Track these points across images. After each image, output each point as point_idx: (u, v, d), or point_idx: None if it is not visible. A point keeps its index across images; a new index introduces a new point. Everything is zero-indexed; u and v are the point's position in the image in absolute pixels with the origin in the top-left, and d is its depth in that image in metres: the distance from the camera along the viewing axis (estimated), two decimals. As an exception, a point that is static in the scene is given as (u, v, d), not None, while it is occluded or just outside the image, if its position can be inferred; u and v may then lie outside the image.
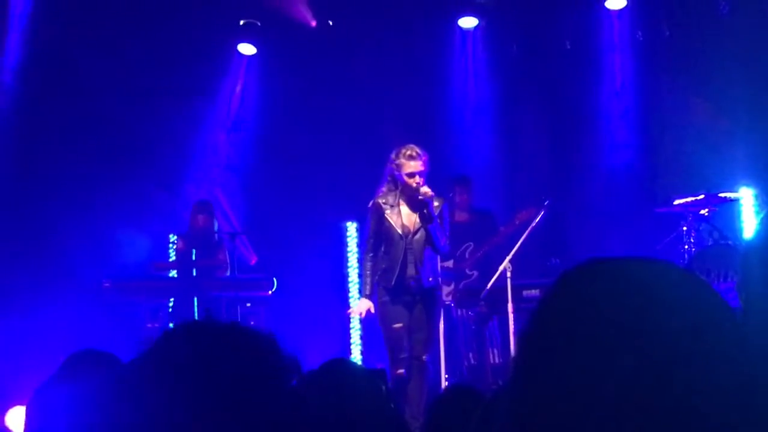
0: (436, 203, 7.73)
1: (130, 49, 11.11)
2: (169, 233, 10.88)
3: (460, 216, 10.50)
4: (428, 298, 7.79)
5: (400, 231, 7.74)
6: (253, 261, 10.94)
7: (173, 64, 11.27)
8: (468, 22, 11.48)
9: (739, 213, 10.45)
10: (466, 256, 10.38)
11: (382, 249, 7.86)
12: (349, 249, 11.35)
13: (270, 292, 10.17)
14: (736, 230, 10.36)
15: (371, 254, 7.92)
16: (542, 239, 10.21)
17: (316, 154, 11.63)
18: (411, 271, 7.74)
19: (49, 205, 10.79)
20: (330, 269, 11.37)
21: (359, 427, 2.52)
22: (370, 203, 7.94)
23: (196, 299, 9.82)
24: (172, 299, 10.16)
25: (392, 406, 3.03)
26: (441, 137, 11.66)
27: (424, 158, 7.74)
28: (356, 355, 11.05)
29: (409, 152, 7.73)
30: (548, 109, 11.82)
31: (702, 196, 9.63)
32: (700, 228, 9.67)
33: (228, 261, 10.31)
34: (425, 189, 7.64)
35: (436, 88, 11.75)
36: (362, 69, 11.93)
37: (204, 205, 10.39)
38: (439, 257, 8.14)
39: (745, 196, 10.14)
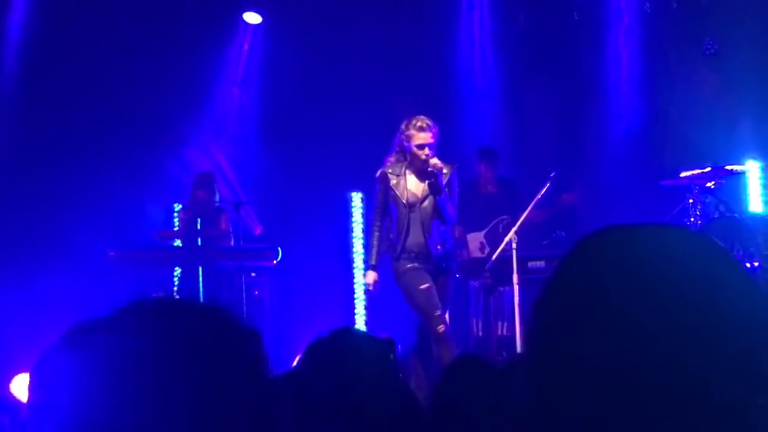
0: (445, 171, 7.71)
1: (135, 19, 11.07)
2: (174, 202, 10.87)
3: (486, 188, 10.51)
4: (438, 268, 7.78)
5: (404, 201, 7.73)
6: (258, 231, 10.94)
7: (179, 34, 11.25)
8: (475, -8, 11.46)
9: (745, 186, 10.43)
10: (500, 230, 10.32)
11: (389, 219, 7.86)
12: (354, 219, 11.35)
13: (275, 262, 10.18)
14: (742, 203, 10.35)
15: (378, 224, 7.93)
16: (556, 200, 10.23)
17: (321, 123, 11.61)
18: (417, 239, 7.72)
19: (52, 174, 10.79)
20: (335, 239, 11.38)
21: (366, 400, 2.51)
22: (378, 173, 7.93)
23: (201, 269, 9.82)
24: (177, 269, 10.17)
25: (400, 376, 3.01)
26: (447, 107, 11.64)
27: (434, 130, 7.72)
28: (360, 326, 11.06)
29: (419, 123, 7.72)
30: (555, 80, 11.78)
31: (708, 169, 9.61)
32: (706, 201, 9.66)
33: (230, 230, 10.31)
34: (435, 161, 7.62)
35: (442, 58, 11.73)
36: (368, 39, 11.89)
37: (205, 177, 10.37)
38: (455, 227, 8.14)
39: (752, 169, 10.12)
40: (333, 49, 11.80)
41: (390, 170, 7.85)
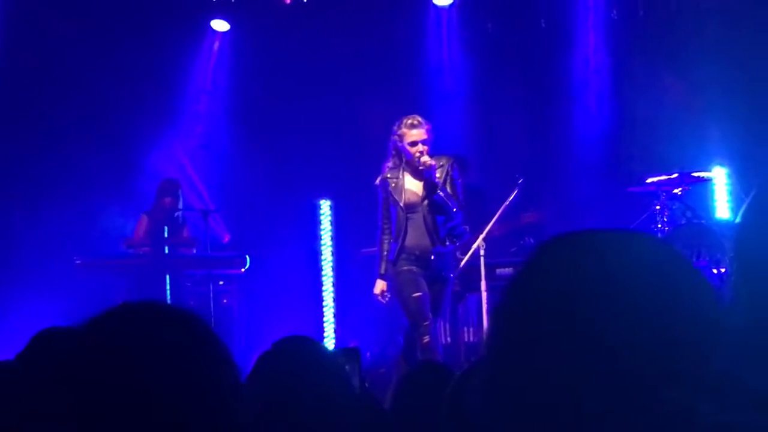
0: (442, 163, 7.69)
1: (103, 25, 11.02)
2: (141, 210, 10.82)
3: None
4: (437, 275, 7.75)
5: (402, 204, 7.70)
6: (226, 239, 10.91)
7: (146, 40, 11.20)
8: (443, 0, 11.45)
9: (712, 192, 10.50)
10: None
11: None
12: (322, 227, 11.33)
13: (243, 269, 10.15)
14: (709, 209, 10.43)
15: (386, 234, 7.90)
16: (516, 218, 10.25)
17: (290, 131, 11.61)
18: (417, 241, 7.69)
19: (17, 181, 10.73)
20: (303, 247, 11.37)
21: (313, 408, 2.50)
22: (377, 180, 7.93)
23: (168, 277, 9.77)
24: (144, 277, 10.11)
25: (357, 384, 3.00)
26: (416, 113, 11.64)
27: (426, 127, 7.72)
28: (330, 334, 11.05)
29: (410, 121, 7.72)
30: (523, 87, 11.82)
31: (675, 175, 9.69)
32: (673, 207, 9.72)
33: (192, 238, 10.26)
34: (425, 159, 7.59)
35: (411, 65, 11.74)
36: (337, 46, 11.90)
37: (170, 184, 10.31)
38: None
39: (719, 176, 10.20)
40: (302, 56, 11.80)
41: (388, 175, 7.83)
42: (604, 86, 11.45)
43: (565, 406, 1.12)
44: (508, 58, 11.90)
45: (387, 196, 7.80)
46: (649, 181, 9.97)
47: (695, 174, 9.72)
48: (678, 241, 9.18)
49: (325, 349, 2.79)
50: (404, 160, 7.74)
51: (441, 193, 7.62)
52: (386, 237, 7.89)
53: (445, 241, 7.74)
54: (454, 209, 7.72)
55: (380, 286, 7.92)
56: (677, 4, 11.15)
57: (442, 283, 7.79)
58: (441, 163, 7.71)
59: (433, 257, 7.69)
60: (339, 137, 11.82)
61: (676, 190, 9.72)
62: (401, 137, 7.70)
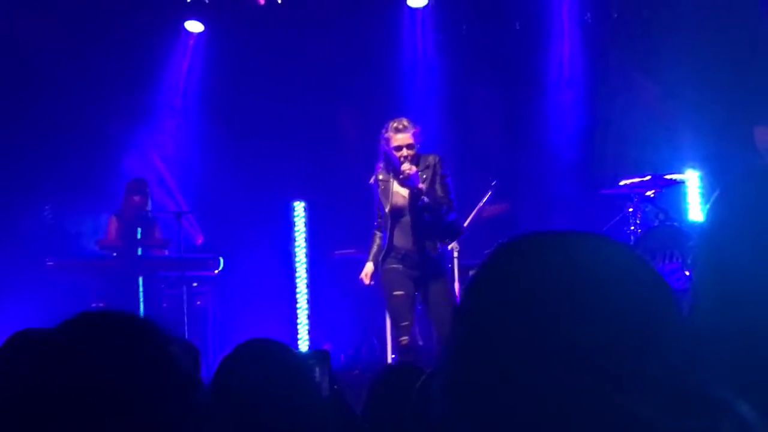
0: (429, 161, 7.66)
1: (76, 26, 10.98)
2: (114, 212, 10.78)
3: None
4: (428, 273, 7.73)
5: (388, 208, 7.68)
6: (200, 240, 10.89)
7: (119, 41, 11.16)
8: (417, 2, 11.47)
9: (684, 195, 10.56)
10: None
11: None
12: (296, 228, 11.32)
13: (216, 271, 10.13)
14: (681, 212, 10.48)
15: (378, 229, 7.88)
16: (491, 219, 10.27)
17: (264, 132, 11.59)
18: (405, 242, 7.66)
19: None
20: (278, 249, 11.36)
21: (278, 412, 2.50)
22: (371, 179, 7.91)
23: (141, 279, 9.74)
24: (117, 278, 10.07)
25: (327, 387, 2.99)
26: (391, 116, 11.64)
27: (413, 130, 7.62)
28: (304, 336, 11.05)
29: (396, 125, 7.63)
30: (497, 89, 11.85)
31: (648, 178, 9.73)
32: (646, 209, 9.77)
33: (165, 239, 10.22)
34: (405, 166, 7.51)
35: (386, 67, 11.75)
36: (311, 48, 11.90)
37: (138, 183, 10.26)
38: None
39: (691, 178, 10.25)
40: (276, 57, 11.79)
41: (380, 177, 7.78)
42: (578, 88, 11.49)
43: (522, 407, 1.14)
44: (483, 60, 11.93)
45: (377, 197, 7.79)
46: (622, 183, 10.02)
47: (668, 176, 9.76)
48: (650, 243, 9.23)
49: (292, 351, 2.77)
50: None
51: (426, 199, 7.56)
52: (378, 233, 7.88)
53: (437, 242, 7.70)
54: (443, 210, 7.66)
55: (368, 268, 7.86)
56: (650, 8, 11.21)
57: (438, 280, 7.72)
58: (428, 162, 7.66)
59: (422, 258, 7.66)
60: (313, 138, 11.83)
61: (648, 193, 9.77)
62: (387, 141, 7.64)
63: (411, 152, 7.59)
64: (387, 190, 7.71)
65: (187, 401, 1.56)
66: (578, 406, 1.12)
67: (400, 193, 7.71)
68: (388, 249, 7.68)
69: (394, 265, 7.68)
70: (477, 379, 1.17)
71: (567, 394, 1.13)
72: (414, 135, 7.64)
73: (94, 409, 1.44)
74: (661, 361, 1.16)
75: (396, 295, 7.57)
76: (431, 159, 7.72)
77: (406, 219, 7.69)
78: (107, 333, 1.55)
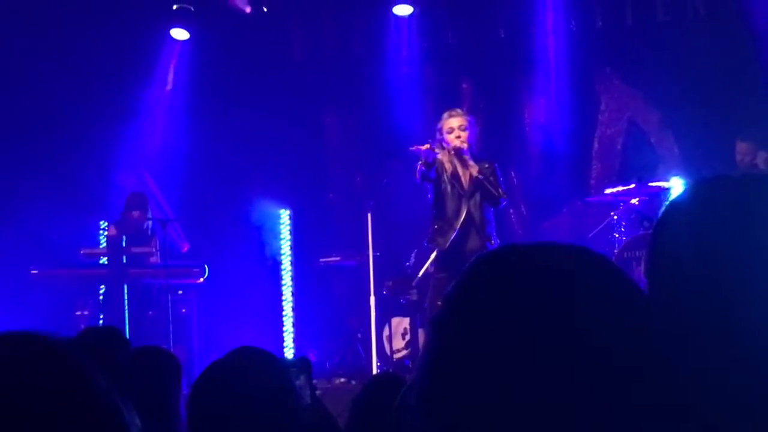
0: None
1: (62, 32, 10.97)
2: (99, 220, 10.76)
3: None
4: None
5: None
6: (185, 248, 10.88)
7: (105, 48, 11.15)
8: (403, 10, 11.47)
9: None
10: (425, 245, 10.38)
11: None
12: (282, 236, 11.32)
13: (201, 279, 10.11)
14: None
15: None
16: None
17: (249, 141, 11.58)
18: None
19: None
20: (263, 257, 11.35)
21: (258, 419, 2.50)
22: None
23: (126, 287, 9.72)
24: (102, 287, 10.05)
25: (308, 396, 3.00)
26: (377, 123, 11.70)
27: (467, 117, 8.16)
28: (289, 343, 11.04)
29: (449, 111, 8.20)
30: (482, 97, 11.88)
31: (633, 186, 9.77)
32: (631, 217, 9.80)
33: (158, 248, 10.21)
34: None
35: (371, 75, 11.75)
36: (298, 56, 11.93)
37: (138, 197, 10.26)
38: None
39: (676, 186, 10.26)
40: (262, 65, 11.81)
41: None
42: (564, 96, 11.51)
43: (497, 420, 1.15)
44: (468, 68, 11.96)
45: None
46: (607, 191, 10.07)
47: (652, 184, 9.80)
48: (635, 251, 9.26)
49: (276, 361, 2.77)
50: None
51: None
52: None
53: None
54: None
55: None
56: (633, 17, 11.24)
57: None
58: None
59: None
60: (299, 146, 11.83)
61: (633, 200, 9.80)
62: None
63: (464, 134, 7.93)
64: None
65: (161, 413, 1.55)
66: (555, 419, 1.13)
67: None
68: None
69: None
70: (452, 391, 1.18)
71: (543, 408, 1.14)
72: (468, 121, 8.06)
73: None
74: (636, 373, 1.17)
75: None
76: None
77: None
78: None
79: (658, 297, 1.60)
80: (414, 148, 7.81)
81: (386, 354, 9.96)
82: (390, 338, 10.06)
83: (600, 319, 1.18)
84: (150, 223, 10.19)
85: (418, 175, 7.94)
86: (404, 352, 9.95)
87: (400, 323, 10.08)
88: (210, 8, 11.44)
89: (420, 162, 7.80)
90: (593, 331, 1.17)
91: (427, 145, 7.73)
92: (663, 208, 1.70)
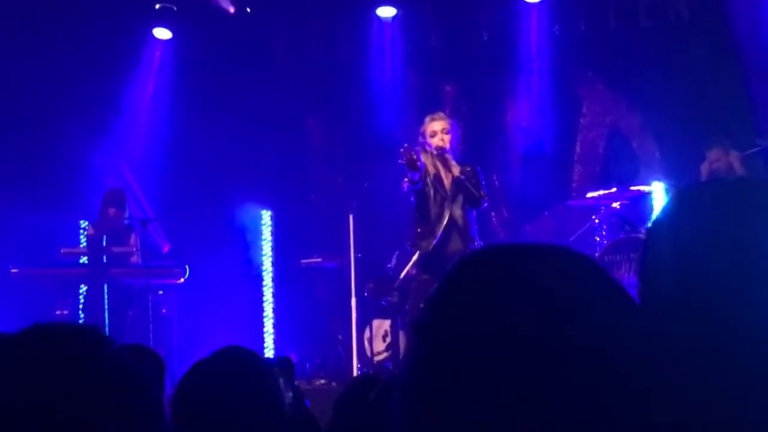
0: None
1: (44, 30, 10.93)
2: (80, 219, 10.71)
3: None
4: None
5: None
6: (166, 248, 10.84)
7: (87, 46, 11.12)
8: (386, 12, 11.48)
9: (650, 206, 10.62)
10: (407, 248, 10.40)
11: None
12: (263, 237, 11.31)
13: (182, 279, 10.07)
14: (647, 223, 10.53)
15: None
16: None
17: (231, 141, 11.56)
18: None
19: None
20: (244, 257, 11.34)
21: (242, 416, 2.51)
22: None
23: (106, 287, 9.69)
24: (82, 286, 10.01)
25: (290, 394, 3.01)
26: (359, 126, 11.70)
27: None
28: (269, 344, 11.03)
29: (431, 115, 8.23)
30: (465, 100, 11.89)
31: (614, 190, 9.81)
32: (612, 221, 9.84)
33: (138, 247, 10.18)
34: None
35: (354, 76, 11.75)
36: (280, 56, 11.93)
37: (115, 194, 10.22)
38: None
39: (657, 190, 10.30)
40: (244, 66, 11.80)
41: None
42: (546, 99, 11.54)
43: (478, 420, 1.15)
44: (451, 70, 11.97)
45: None
46: (589, 195, 10.10)
47: (634, 188, 9.84)
48: (616, 254, 9.29)
49: (261, 359, 2.78)
50: None
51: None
52: None
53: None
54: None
55: None
56: (617, 22, 11.29)
57: None
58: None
59: None
60: (281, 147, 11.81)
61: (615, 204, 9.84)
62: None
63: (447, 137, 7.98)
64: None
65: (146, 412, 1.56)
66: (538, 419, 1.14)
67: None
68: None
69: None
70: (435, 393, 1.18)
71: (526, 408, 1.14)
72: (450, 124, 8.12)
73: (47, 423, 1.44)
74: (622, 371, 1.18)
75: None
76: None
77: None
78: (60, 345, 1.54)
79: (647, 299, 1.61)
80: (402, 161, 7.77)
81: (367, 356, 9.96)
82: (371, 340, 10.06)
83: (583, 319, 1.18)
84: (127, 221, 10.16)
85: (405, 189, 7.94)
86: (385, 355, 9.96)
87: (381, 325, 10.09)
88: (193, 8, 11.42)
89: (406, 178, 7.80)
90: (576, 331, 1.17)
91: (413, 154, 7.70)
92: (654, 215, 1.73)
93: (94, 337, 1.57)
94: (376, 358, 10.03)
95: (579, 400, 1.15)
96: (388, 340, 9.97)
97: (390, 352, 9.84)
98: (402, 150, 7.64)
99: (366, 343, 10.05)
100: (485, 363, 1.16)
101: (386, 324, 9.98)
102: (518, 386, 1.14)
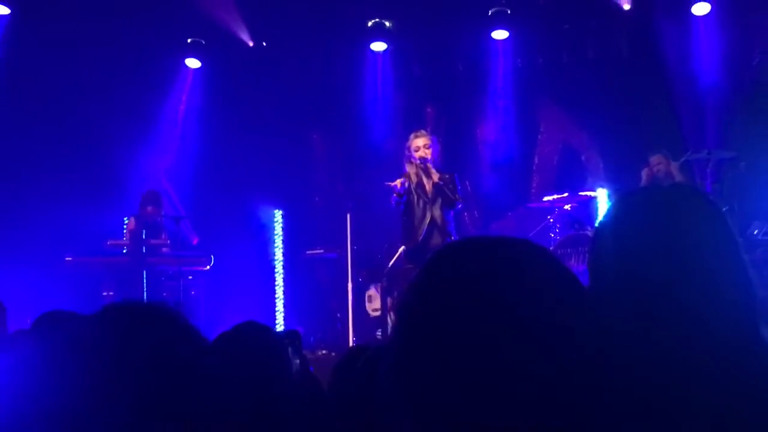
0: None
1: (96, 60, 10.92)
2: (123, 215, 10.70)
3: None
4: None
5: None
6: (195, 241, 10.82)
7: (134, 72, 11.12)
8: (378, 46, 11.48)
9: (596, 208, 10.63)
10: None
11: None
12: (275, 232, 11.29)
13: (208, 267, 10.07)
14: (593, 222, 10.54)
15: None
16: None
17: (249, 151, 11.56)
18: None
19: (20, 191, 10.62)
20: (259, 248, 11.32)
21: (261, 380, 2.51)
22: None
23: (145, 273, 9.67)
24: (124, 272, 9.99)
25: (297, 362, 3.00)
26: (355, 140, 11.70)
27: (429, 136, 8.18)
28: (280, 320, 11.01)
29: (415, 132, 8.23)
30: (443, 119, 11.89)
31: (566, 194, 9.82)
32: (564, 220, 9.85)
33: (169, 240, 10.18)
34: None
35: (351, 99, 11.74)
36: (290, 82, 11.91)
37: (153, 195, 10.22)
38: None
39: (601, 195, 10.33)
40: (260, 90, 11.77)
41: None
42: (510, 120, 11.54)
43: (453, 389, 1.14)
44: (432, 95, 11.98)
45: None
46: (545, 198, 10.11)
47: (582, 193, 9.85)
48: (567, 248, 9.30)
49: (273, 332, 2.78)
50: None
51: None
52: None
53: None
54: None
55: None
56: (568, 55, 11.31)
57: None
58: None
59: None
60: (290, 157, 11.81)
61: (566, 206, 9.85)
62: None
63: (428, 151, 7.92)
64: None
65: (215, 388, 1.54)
66: (504, 389, 1.14)
67: None
68: None
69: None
70: (415, 364, 1.18)
71: (496, 380, 1.14)
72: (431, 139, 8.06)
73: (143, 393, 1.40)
74: (575, 345, 1.18)
75: None
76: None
77: None
78: (145, 323, 1.52)
79: (595, 286, 1.61)
80: (388, 184, 7.86)
81: (363, 323, 9.94)
82: (371, 299, 10.11)
83: (540, 298, 1.18)
84: (162, 218, 10.15)
85: (392, 203, 7.99)
86: (379, 312, 9.94)
87: (374, 294, 10.14)
88: (219, 42, 11.41)
89: (394, 193, 7.84)
90: (533, 306, 1.16)
91: (399, 181, 7.79)
92: (600, 216, 1.73)
93: (169, 312, 1.56)
94: (372, 314, 10.06)
95: (536, 367, 1.14)
96: (376, 299, 10.02)
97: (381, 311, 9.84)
98: (389, 185, 7.83)
99: (367, 303, 10.10)
100: (456, 337, 1.15)
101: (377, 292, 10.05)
102: (484, 355, 1.14)
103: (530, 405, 1.13)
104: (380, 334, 9.72)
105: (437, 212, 7.94)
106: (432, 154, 7.99)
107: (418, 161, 7.92)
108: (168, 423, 1.40)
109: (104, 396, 1.36)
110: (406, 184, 7.90)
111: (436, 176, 7.92)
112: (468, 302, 1.17)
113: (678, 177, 9.33)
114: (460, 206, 8.18)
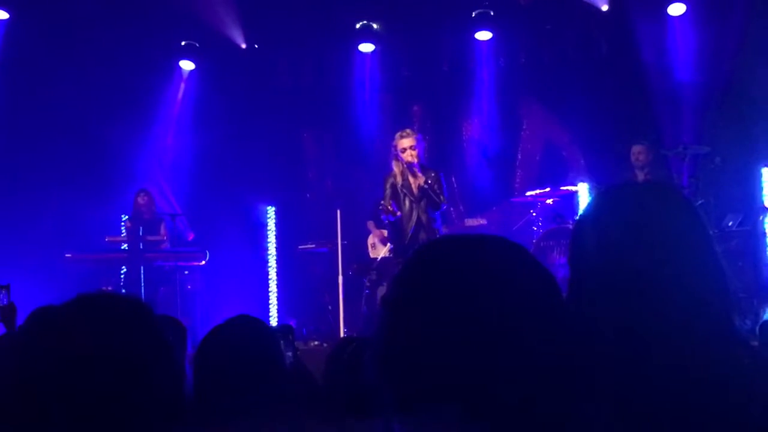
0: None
1: (94, 62, 10.90)
2: (120, 213, 10.69)
3: None
4: None
5: None
6: (191, 237, 10.81)
7: (130, 74, 11.10)
8: (366, 48, 11.48)
9: (577, 202, 10.67)
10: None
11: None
12: (269, 228, 11.28)
13: (203, 262, 10.05)
14: (574, 216, 10.58)
15: None
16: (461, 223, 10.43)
17: (243, 150, 11.55)
18: None
19: (21, 192, 10.60)
20: (253, 244, 11.32)
21: (253, 373, 2.51)
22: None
23: (142, 268, 9.66)
24: (123, 267, 9.98)
25: (290, 354, 3.01)
26: (345, 138, 11.71)
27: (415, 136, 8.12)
28: (273, 314, 11.01)
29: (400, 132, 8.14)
30: (429, 118, 11.91)
31: (548, 189, 9.84)
32: (546, 214, 9.88)
33: (167, 235, 10.17)
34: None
35: (341, 99, 11.75)
36: (282, 83, 11.91)
37: (142, 191, 10.25)
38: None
39: (581, 190, 10.35)
40: (253, 91, 11.76)
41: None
42: (494, 118, 11.56)
43: (435, 377, 1.15)
44: (418, 94, 11.99)
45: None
46: (528, 193, 10.13)
47: (563, 188, 9.87)
48: (549, 240, 9.32)
49: (266, 325, 2.78)
50: None
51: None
52: None
53: None
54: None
55: None
56: (549, 55, 11.35)
57: None
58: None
59: None
60: (282, 155, 11.81)
61: (548, 201, 9.87)
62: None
63: (414, 152, 7.91)
64: None
65: (170, 365, 1.57)
66: (476, 373, 1.14)
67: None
68: None
69: None
70: (399, 353, 1.19)
71: (468, 365, 1.14)
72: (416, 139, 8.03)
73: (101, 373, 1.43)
74: (548, 337, 1.19)
75: None
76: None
77: None
78: (105, 311, 1.56)
79: (574, 278, 1.62)
80: (381, 209, 7.95)
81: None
82: (374, 246, 10.13)
83: (513, 291, 1.19)
84: (157, 215, 10.14)
85: (383, 218, 8.10)
86: (383, 253, 9.95)
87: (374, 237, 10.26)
88: (212, 44, 11.40)
89: (387, 213, 7.90)
90: (508, 300, 1.18)
91: (391, 209, 7.84)
92: (580, 210, 1.74)
93: (136, 303, 1.59)
94: (372, 255, 10.16)
95: (509, 355, 1.15)
96: (379, 245, 10.03)
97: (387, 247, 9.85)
98: (381, 208, 7.92)
99: (369, 247, 10.17)
100: (436, 327, 1.17)
101: (378, 234, 10.11)
102: (459, 345, 1.15)
103: (503, 389, 1.15)
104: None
105: (422, 212, 7.97)
106: (418, 154, 8.00)
107: (405, 164, 7.92)
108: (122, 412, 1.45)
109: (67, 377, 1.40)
110: (398, 214, 7.96)
111: (421, 179, 7.93)
112: (446, 296, 1.19)
113: (653, 164, 9.35)
114: (444, 207, 8.19)
